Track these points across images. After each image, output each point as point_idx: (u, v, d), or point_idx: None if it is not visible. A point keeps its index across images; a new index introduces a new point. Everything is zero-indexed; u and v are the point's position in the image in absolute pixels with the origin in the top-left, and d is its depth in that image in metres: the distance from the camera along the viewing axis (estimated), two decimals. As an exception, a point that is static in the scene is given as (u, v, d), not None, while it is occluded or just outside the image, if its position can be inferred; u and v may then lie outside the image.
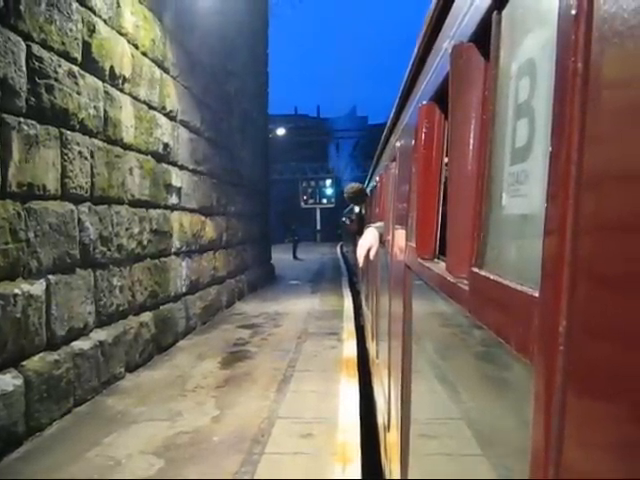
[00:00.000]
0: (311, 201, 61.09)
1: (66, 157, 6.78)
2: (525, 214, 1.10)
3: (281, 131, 45.01)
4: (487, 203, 1.29)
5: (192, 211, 11.95)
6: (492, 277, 1.16)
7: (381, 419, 5.56)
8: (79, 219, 7.07)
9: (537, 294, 0.82)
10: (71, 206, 6.89)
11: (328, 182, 60.99)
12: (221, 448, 5.61)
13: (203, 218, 12.83)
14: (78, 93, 7.02)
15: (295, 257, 34.99)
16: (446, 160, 2.57)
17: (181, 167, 11.20)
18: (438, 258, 2.26)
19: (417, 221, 2.56)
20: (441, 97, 2.27)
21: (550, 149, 0.81)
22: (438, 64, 2.26)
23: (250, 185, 18.30)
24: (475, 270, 1.29)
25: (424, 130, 2.48)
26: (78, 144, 7.06)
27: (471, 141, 1.47)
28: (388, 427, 4.57)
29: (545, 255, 0.80)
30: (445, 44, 2.05)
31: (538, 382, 0.79)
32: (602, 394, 0.64)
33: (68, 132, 6.83)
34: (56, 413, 6.30)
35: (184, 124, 11.40)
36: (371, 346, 8.46)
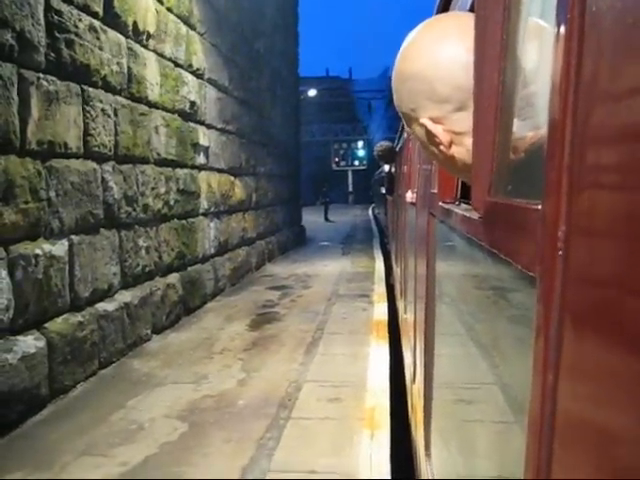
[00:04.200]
0: (343, 163, 60.86)
1: (88, 114, 6.60)
2: (534, 135, 1.07)
3: (312, 92, 44.51)
4: (500, 133, 1.25)
5: (220, 171, 11.77)
6: (499, 201, 1.19)
7: (408, 373, 5.41)
8: (102, 178, 6.92)
9: (540, 206, 0.83)
10: (94, 165, 6.73)
11: (360, 144, 60.61)
12: (247, 412, 5.47)
13: (232, 178, 12.65)
14: (100, 49, 6.82)
15: (326, 219, 34.86)
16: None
17: (209, 126, 11.00)
18: (460, 202, 2.18)
19: (439, 166, 2.50)
20: None
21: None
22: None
23: (280, 145, 18.06)
24: (488, 199, 1.30)
25: None
26: (101, 101, 6.87)
27: (492, 66, 1.34)
28: (414, 378, 4.47)
29: (547, 165, 0.79)
30: None
31: (540, 290, 0.80)
32: (601, 292, 0.65)
33: (90, 89, 6.64)
34: (80, 375, 6.21)
35: (212, 82, 11.16)
36: (399, 303, 8.40)
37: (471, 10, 2.19)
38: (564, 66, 0.73)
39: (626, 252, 0.58)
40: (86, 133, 6.56)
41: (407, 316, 6.11)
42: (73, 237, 6.28)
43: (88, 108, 6.59)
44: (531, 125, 1.09)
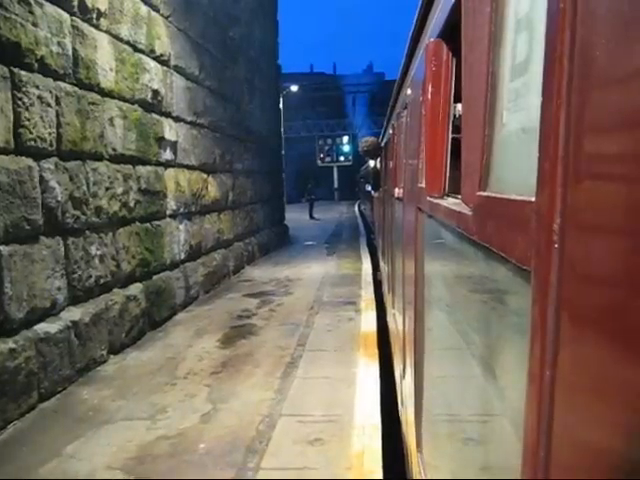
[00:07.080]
0: (328, 159, 60.02)
1: (20, 102, 5.57)
2: (525, 127, 1.09)
3: (294, 87, 43.59)
4: (490, 126, 1.29)
5: (191, 168, 10.73)
6: (492, 195, 1.22)
7: (397, 370, 5.21)
8: (41, 177, 5.89)
9: (533, 199, 0.84)
10: (29, 162, 5.70)
11: (345, 139, 59.77)
12: (207, 460, 4.46)
13: (205, 176, 11.62)
14: (34, 25, 5.78)
15: (311, 217, 33.97)
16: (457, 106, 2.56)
17: (176, 119, 9.96)
18: (448, 195, 2.23)
19: (426, 160, 2.57)
20: (449, 33, 2.20)
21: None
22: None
23: (260, 140, 17.03)
24: (479, 193, 1.32)
25: (432, 67, 2.45)
26: (37, 87, 5.84)
27: (481, 58, 1.41)
28: (404, 375, 4.33)
29: (541, 157, 0.80)
30: None
31: (535, 284, 0.82)
32: (599, 286, 0.65)
33: (22, 72, 5.62)
34: (13, 413, 5.19)
35: (179, 70, 10.12)
36: (387, 299, 8.12)
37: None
38: (557, 55, 0.74)
39: (625, 245, 0.59)
40: (18, 124, 5.54)
41: (395, 312, 5.87)
42: (2, 248, 5.26)
43: (20, 95, 5.57)
44: (522, 117, 1.08)
